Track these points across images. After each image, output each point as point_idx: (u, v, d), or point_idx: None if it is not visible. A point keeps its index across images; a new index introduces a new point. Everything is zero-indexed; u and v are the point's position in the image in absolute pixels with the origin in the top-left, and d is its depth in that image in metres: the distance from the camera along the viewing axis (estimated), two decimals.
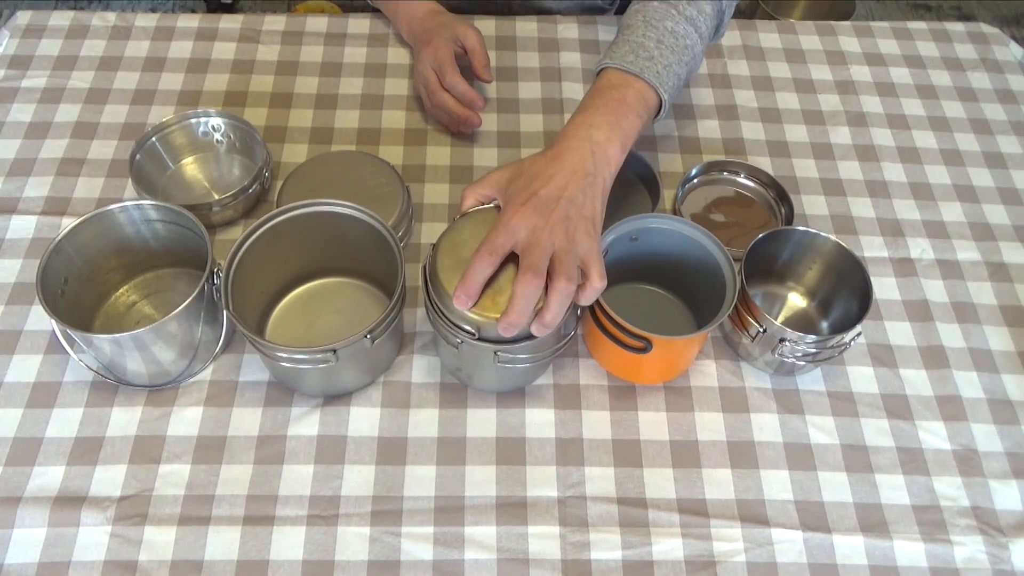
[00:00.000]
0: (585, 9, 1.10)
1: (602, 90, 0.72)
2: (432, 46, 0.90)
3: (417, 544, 0.67)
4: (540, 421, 0.74)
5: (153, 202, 0.74)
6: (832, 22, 1.09)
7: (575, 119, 0.70)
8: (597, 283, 0.63)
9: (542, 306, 0.62)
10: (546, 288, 0.62)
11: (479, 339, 0.65)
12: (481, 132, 0.94)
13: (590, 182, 0.66)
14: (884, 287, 0.84)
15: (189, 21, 1.03)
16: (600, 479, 0.71)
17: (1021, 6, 2.36)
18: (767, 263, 0.79)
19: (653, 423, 0.74)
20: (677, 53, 0.75)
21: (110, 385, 0.74)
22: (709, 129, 0.96)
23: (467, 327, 0.65)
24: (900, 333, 0.81)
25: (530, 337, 0.65)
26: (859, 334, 0.75)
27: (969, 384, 0.78)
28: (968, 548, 0.69)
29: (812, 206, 0.90)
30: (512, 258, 0.64)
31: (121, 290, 0.79)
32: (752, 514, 0.70)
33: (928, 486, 0.72)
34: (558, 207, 0.63)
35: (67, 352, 0.72)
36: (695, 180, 0.91)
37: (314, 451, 0.71)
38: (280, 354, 0.66)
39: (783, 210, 0.88)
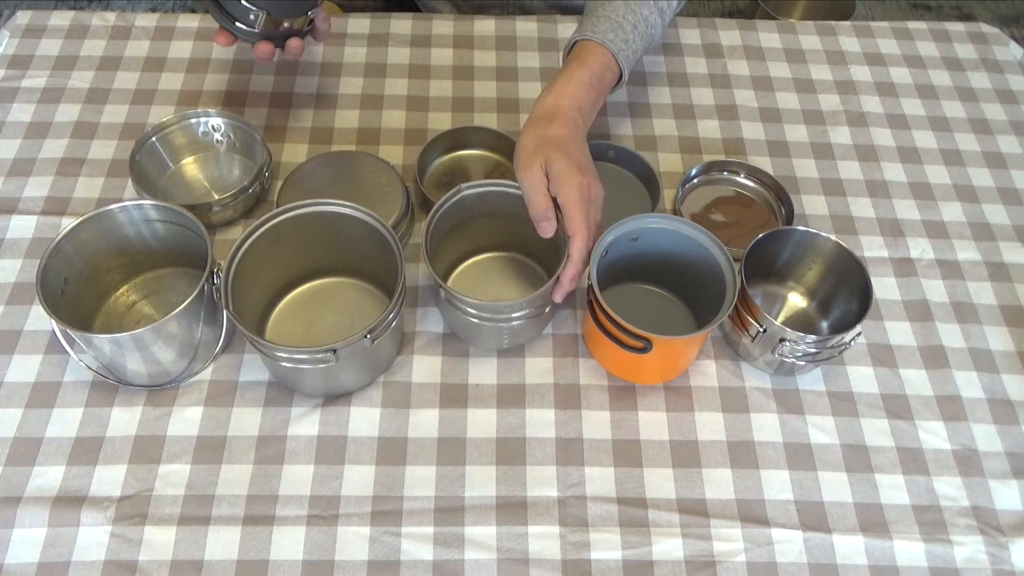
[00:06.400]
0: None
1: (588, 64, 0.78)
2: None
3: (417, 544, 0.67)
4: (540, 421, 0.74)
5: (153, 202, 0.74)
6: (832, 22, 1.09)
7: (569, 90, 0.76)
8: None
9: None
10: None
11: None
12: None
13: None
14: (884, 287, 0.84)
15: (189, 21, 1.03)
16: (600, 479, 0.71)
17: (1021, 6, 2.36)
18: (767, 263, 0.79)
19: (653, 423, 0.74)
20: (644, 41, 0.83)
21: (110, 385, 0.74)
22: (709, 129, 0.96)
23: None
24: (900, 333, 0.81)
25: None
26: (859, 334, 0.75)
27: (969, 384, 0.78)
28: (968, 548, 0.69)
29: (812, 206, 0.90)
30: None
31: (121, 290, 0.79)
32: (752, 514, 0.70)
33: (928, 486, 0.72)
34: (590, 170, 0.73)
35: (67, 352, 0.72)
36: (695, 180, 0.91)
37: (314, 451, 0.71)
38: (280, 354, 0.66)
39: (783, 210, 0.88)
